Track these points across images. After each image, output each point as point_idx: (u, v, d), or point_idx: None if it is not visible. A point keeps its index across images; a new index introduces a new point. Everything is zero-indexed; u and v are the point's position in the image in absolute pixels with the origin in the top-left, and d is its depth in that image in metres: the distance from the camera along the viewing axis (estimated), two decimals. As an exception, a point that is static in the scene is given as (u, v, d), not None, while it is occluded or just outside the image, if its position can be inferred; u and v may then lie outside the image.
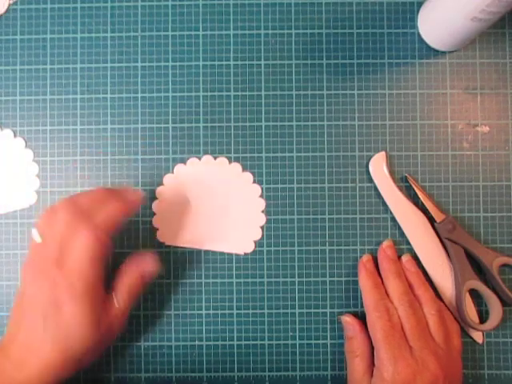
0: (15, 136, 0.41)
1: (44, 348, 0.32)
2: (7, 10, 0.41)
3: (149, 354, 0.40)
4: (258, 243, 0.40)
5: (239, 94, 0.41)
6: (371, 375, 0.36)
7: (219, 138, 0.41)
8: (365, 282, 0.38)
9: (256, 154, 0.41)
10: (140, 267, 0.36)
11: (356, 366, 0.37)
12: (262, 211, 0.41)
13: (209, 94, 0.41)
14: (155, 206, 0.40)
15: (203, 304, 0.40)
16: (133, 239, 0.40)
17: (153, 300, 0.40)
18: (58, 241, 0.33)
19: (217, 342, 0.40)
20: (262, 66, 0.41)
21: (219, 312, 0.40)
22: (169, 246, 0.40)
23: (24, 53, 0.41)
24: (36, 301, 0.33)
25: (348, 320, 0.39)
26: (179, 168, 0.41)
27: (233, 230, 0.40)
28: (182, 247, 0.40)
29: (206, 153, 0.41)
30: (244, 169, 0.41)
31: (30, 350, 0.32)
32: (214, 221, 0.41)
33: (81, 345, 0.33)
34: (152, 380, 0.40)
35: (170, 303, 0.40)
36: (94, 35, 0.41)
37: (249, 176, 0.41)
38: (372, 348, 0.37)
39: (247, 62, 0.41)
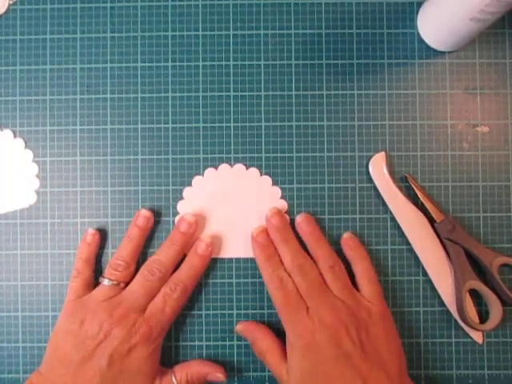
0: (15, 136, 0.41)
1: None
2: (7, 10, 0.41)
3: (149, 354, 0.40)
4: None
5: (239, 94, 0.41)
6: (285, 360, 0.36)
7: (219, 138, 0.41)
8: (257, 256, 0.39)
9: (256, 155, 0.41)
10: (208, 369, 0.38)
11: (270, 360, 0.37)
12: (286, 212, 0.41)
13: (209, 94, 0.41)
14: (177, 218, 0.40)
15: (203, 304, 0.40)
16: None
17: (153, 300, 0.40)
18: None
19: (217, 342, 0.40)
20: (262, 66, 0.41)
21: (219, 312, 0.40)
22: (169, 246, 0.40)
23: (24, 53, 0.41)
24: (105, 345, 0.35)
25: (241, 327, 0.39)
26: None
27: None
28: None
29: (205, 153, 0.41)
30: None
31: None
32: (237, 228, 0.41)
33: None
34: (152, 380, 0.40)
35: (169, 303, 0.40)
36: (93, 35, 0.41)
37: (267, 179, 0.41)
38: (276, 338, 0.38)
39: (247, 62, 0.41)
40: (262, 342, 0.38)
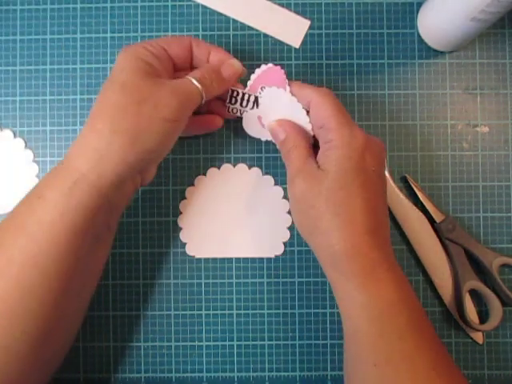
0: (15, 136, 0.41)
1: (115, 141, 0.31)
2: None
3: (149, 354, 0.40)
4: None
5: (239, 94, 0.41)
6: (314, 158, 0.34)
7: (219, 138, 0.41)
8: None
9: (256, 155, 0.41)
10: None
11: (295, 156, 0.34)
12: (288, 212, 0.41)
13: (209, 94, 0.41)
14: (180, 219, 0.41)
15: (203, 304, 0.40)
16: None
17: (153, 300, 0.40)
18: None
19: (217, 342, 0.40)
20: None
21: (219, 312, 0.40)
22: (168, 247, 0.40)
23: (24, 53, 0.41)
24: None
25: (274, 124, 0.36)
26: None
27: (261, 235, 0.41)
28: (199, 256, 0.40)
29: (205, 153, 0.41)
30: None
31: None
32: (240, 228, 0.41)
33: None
34: (152, 380, 0.40)
35: (170, 303, 0.40)
36: (93, 35, 0.41)
37: (269, 179, 0.41)
38: (307, 136, 0.35)
39: (247, 62, 0.41)
40: (292, 138, 0.34)
